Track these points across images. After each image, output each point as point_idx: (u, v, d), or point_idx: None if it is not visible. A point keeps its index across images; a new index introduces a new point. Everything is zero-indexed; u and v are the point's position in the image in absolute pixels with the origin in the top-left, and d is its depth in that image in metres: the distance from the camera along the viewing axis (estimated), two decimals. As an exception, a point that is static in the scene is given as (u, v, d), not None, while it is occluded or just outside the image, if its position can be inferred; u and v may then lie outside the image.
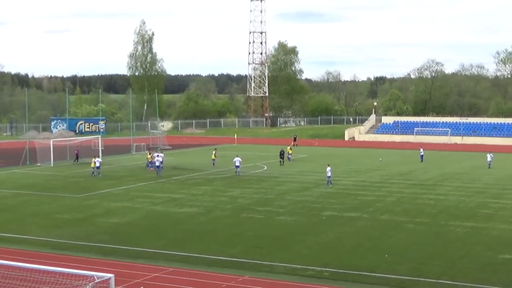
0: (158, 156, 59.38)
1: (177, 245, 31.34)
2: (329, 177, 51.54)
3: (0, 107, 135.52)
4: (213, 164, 65.07)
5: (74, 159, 69.57)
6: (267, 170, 62.98)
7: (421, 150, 73.16)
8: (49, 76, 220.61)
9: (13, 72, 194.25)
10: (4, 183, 54.25)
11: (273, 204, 42.98)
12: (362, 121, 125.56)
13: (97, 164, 58.49)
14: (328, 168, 51.79)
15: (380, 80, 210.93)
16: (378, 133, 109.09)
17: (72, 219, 38.13)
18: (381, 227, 35.71)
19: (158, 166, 58.09)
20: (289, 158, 71.70)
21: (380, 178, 56.85)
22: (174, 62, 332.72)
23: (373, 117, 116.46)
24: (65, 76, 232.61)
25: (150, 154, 63.16)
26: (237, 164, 58.66)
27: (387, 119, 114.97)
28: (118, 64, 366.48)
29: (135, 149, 79.92)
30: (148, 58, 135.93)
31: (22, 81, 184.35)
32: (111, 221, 37.50)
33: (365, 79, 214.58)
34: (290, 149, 74.28)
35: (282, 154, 67.20)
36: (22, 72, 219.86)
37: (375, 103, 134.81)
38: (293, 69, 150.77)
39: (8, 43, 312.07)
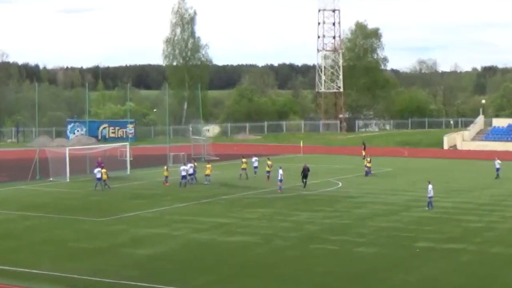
0: (187, 168, 63.79)
1: (226, 283, 31.46)
2: (431, 197, 51.09)
3: (4, 107, 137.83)
4: (268, 177, 66.57)
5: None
6: (343, 187, 63.01)
7: (497, 162, 70.96)
8: (65, 67, 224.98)
9: (20, 62, 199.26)
10: (9, 202, 55.08)
11: (350, 231, 43.04)
12: (466, 125, 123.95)
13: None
14: (430, 186, 51.29)
15: (490, 71, 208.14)
16: (488, 140, 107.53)
17: (92, 248, 38.55)
18: (493, 263, 35.21)
19: (183, 177, 62.97)
20: (367, 173, 71.72)
21: (491, 199, 56.06)
22: (222, 49, 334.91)
23: (481, 119, 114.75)
24: (84, 67, 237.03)
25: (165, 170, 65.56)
26: (280, 177, 60.11)
27: (500, 122, 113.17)
28: (151, 52, 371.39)
29: (172, 160, 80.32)
30: (189, 44, 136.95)
31: (31, 74, 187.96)
32: (141, 252, 37.74)
33: (469, 69, 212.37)
34: (369, 161, 73.27)
35: (305, 172, 62.96)
36: (32, 63, 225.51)
37: (483, 101, 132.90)
38: (375, 57, 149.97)
39: (15, 26, 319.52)
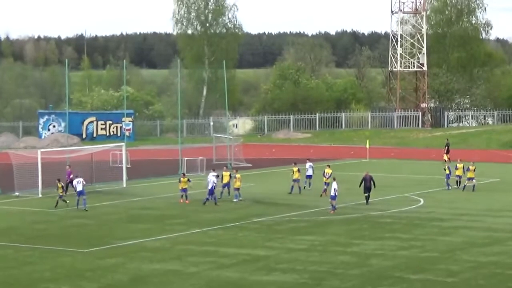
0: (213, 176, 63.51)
1: None
2: None
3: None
4: (324, 191, 67.15)
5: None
6: (426, 206, 63.42)
7: None
8: (36, 37, 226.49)
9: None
10: (-43, 227, 55.60)
11: (435, 268, 42.79)
12: None
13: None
14: None
15: None
16: None
17: (75, 292, 38.48)
18: None
19: (210, 191, 63.09)
20: (463, 185, 71.22)
21: None
22: (256, 12, 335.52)
23: None
24: (63, 37, 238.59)
25: (182, 180, 65.81)
26: (333, 193, 60.28)
27: None
28: (156, 16, 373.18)
29: (186, 167, 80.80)
30: (210, 4, 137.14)
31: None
32: (143, 296, 37.60)
33: None
34: (474, 170, 71.67)
35: (367, 184, 64.34)
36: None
37: None
38: (473, 21, 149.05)
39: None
